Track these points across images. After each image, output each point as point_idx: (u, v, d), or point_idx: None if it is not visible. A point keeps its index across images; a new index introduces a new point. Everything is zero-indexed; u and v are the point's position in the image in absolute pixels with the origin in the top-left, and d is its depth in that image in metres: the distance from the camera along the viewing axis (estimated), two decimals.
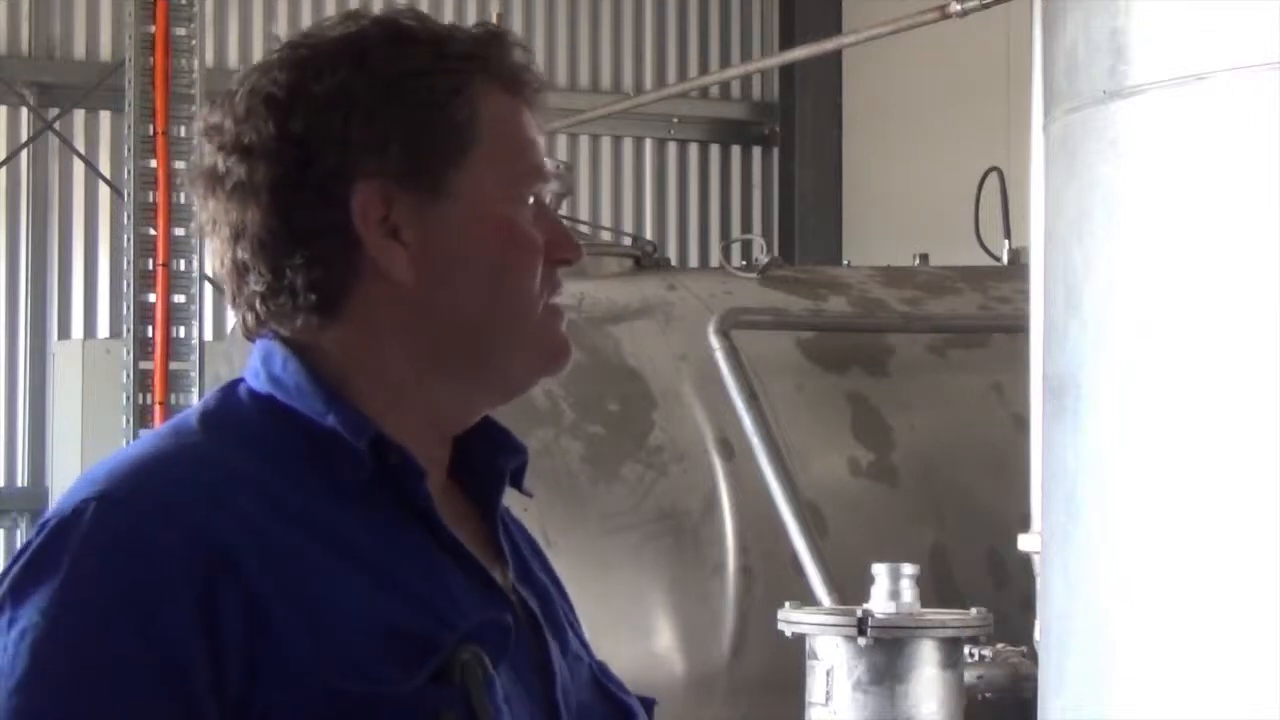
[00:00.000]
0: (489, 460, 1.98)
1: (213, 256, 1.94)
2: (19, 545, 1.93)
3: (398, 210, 1.86)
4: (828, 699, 4.42)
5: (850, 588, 4.74)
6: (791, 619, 4.56)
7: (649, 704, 2.07)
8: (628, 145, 11.77)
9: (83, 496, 1.78)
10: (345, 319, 1.88)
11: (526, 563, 1.99)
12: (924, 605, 4.48)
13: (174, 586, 1.72)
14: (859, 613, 4.42)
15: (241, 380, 1.92)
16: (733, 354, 5.31)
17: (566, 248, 1.93)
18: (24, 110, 10.65)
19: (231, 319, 9.02)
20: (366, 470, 1.84)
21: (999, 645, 4.71)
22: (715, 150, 12.00)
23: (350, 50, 1.88)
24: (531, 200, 1.92)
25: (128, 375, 8.28)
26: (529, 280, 1.90)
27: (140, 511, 1.76)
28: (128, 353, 8.31)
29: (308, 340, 1.90)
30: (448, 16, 10.82)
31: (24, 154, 10.63)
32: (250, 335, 1.93)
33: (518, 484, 2.02)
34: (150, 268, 8.21)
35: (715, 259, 8.59)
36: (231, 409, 1.90)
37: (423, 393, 1.90)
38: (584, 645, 2.01)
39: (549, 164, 1.94)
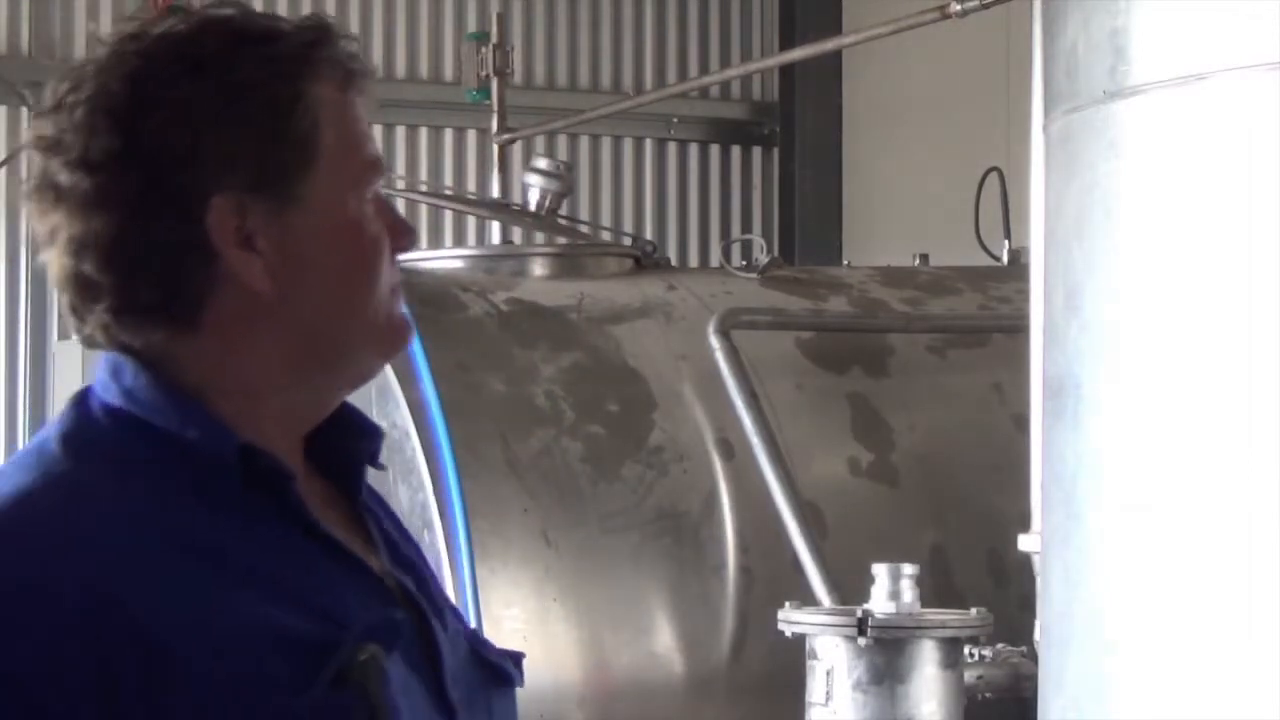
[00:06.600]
0: (346, 446, 1.97)
1: (50, 267, 1.91)
2: None
3: (252, 220, 1.85)
4: (828, 699, 4.42)
5: (850, 588, 4.74)
6: (791, 619, 4.56)
7: (517, 658, 2.06)
8: (628, 145, 11.75)
9: None
10: (201, 329, 1.86)
11: (395, 543, 1.98)
12: (924, 605, 4.47)
13: (62, 651, 1.67)
14: (859, 613, 4.41)
15: (88, 393, 1.89)
16: (733, 354, 5.30)
17: (403, 236, 1.93)
18: (24, 110, 10.65)
19: None
20: (236, 480, 1.81)
21: (999, 645, 4.70)
22: (715, 150, 11.98)
23: (185, 56, 1.86)
24: (370, 195, 1.92)
25: None
26: (378, 279, 1.90)
27: (20, 563, 1.70)
28: None
29: (159, 352, 1.87)
30: (449, 17, 10.83)
31: (24, 154, 10.63)
32: (94, 346, 1.91)
33: (374, 462, 2.01)
34: None
35: (715, 259, 8.57)
36: (91, 428, 1.86)
37: (279, 396, 1.88)
38: (457, 615, 2.00)
39: (378, 153, 1.94)
